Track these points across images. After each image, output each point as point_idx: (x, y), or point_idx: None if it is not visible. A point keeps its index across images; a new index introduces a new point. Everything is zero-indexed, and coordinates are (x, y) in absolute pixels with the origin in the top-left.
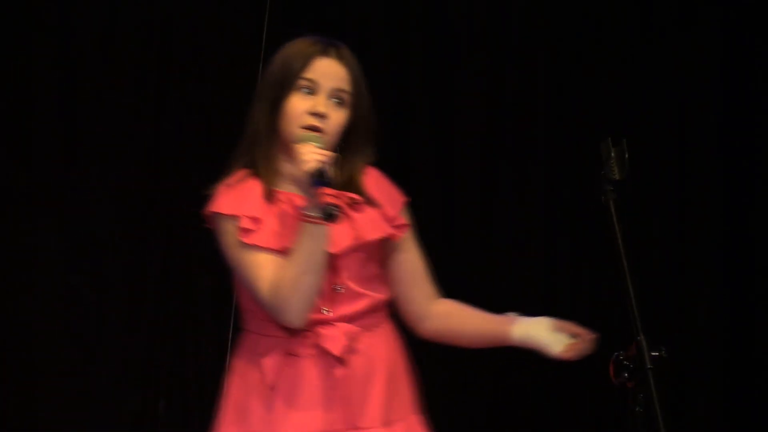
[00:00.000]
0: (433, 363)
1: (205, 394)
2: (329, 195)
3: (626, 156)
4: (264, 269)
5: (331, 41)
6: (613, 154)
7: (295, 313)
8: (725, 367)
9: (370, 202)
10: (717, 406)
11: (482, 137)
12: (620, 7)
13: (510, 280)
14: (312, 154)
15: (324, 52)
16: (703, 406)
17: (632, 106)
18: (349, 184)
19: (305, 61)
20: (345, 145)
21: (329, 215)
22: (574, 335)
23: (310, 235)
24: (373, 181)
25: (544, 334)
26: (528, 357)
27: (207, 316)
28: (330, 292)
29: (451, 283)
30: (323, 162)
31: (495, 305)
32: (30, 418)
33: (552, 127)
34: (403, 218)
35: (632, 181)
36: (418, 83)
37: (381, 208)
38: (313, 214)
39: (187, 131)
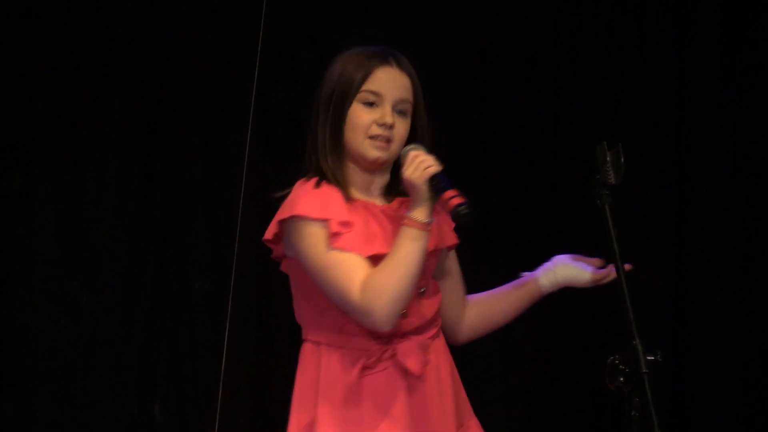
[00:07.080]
0: None
1: (200, 399)
2: (455, 196)
3: (622, 160)
4: (356, 272)
5: (389, 50)
6: (608, 158)
7: (385, 316)
8: (724, 371)
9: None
10: (715, 409)
11: (479, 141)
12: (616, 11)
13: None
14: (424, 162)
15: (385, 62)
16: (700, 411)
17: (628, 110)
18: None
19: (366, 73)
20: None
21: (462, 215)
22: (590, 264)
23: (412, 240)
24: None
25: (569, 270)
26: (526, 359)
27: (202, 320)
28: (415, 295)
29: None
30: (436, 167)
31: None
32: (25, 423)
33: (548, 131)
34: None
35: (628, 185)
36: None
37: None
38: (417, 218)
39: (183, 134)
